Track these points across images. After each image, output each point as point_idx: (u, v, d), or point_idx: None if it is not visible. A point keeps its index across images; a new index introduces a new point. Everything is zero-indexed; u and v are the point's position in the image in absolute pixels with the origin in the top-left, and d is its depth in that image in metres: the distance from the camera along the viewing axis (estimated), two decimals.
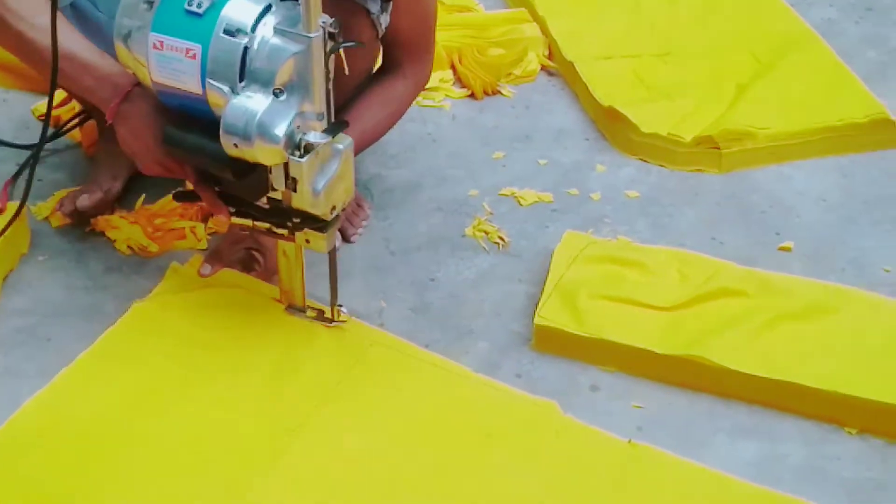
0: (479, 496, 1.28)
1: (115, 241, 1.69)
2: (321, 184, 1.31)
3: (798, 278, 1.63)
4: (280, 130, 1.24)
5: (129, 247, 1.68)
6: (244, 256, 1.62)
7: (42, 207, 1.76)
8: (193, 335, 1.47)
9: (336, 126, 1.30)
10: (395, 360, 1.46)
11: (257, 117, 1.23)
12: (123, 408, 1.36)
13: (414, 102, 1.73)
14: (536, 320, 1.53)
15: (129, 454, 1.30)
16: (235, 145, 1.25)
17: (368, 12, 1.50)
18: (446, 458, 1.32)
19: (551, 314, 1.53)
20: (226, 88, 1.25)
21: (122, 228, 1.70)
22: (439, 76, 2.08)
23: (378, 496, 1.27)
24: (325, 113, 1.29)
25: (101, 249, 1.69)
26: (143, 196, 1.75)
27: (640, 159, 1.94)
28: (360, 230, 1.75)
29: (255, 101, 1.24)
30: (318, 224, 1.36)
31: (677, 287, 1.58)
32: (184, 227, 1.71)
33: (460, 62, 2.13)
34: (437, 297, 1.64)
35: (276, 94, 1.25)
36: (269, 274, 1.60)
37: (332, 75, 1.27)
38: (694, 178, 1.92)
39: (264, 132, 1.23)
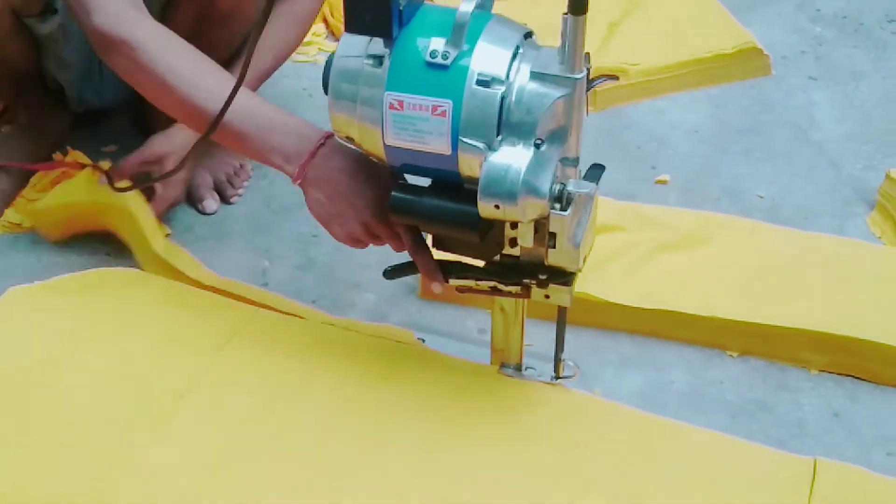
0: (371, 438, 1.28)
1: None
2: (580, 235, 1.16)
3: (675, 209, 1.66)
4: (545, 185, 1.09)
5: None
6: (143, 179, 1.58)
7: None
8: (75, 311, 1.44)
9: (595, 170, 1.16)
10: (279, 320, 1.45)
11: (522, 174, 1.07)
12: (3, 387, 1.33)
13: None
14: None
15: (14, 432, 1.27)
16: (497, 206, 1.09)
17: None
18: (332, 409, 1.32)
19: None
20: (481, 145, 1.10)
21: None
22: (312, 30, 2.06)
23: (269, 454, 1.26)
24: (579, 157, 1.16)
25: None
26: None
27: None
28: (240, 191, 1.73)
29: (516, 156, 1.08)
30: (566, 278, 1.21)
31: None
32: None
33: (332, 16, 2.12)
34: (321, 252, 1.63)
35: (536, 146, 1.09)
36: (162, 206, 1.61)
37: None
38: None
39: (531, 189, 1.08)
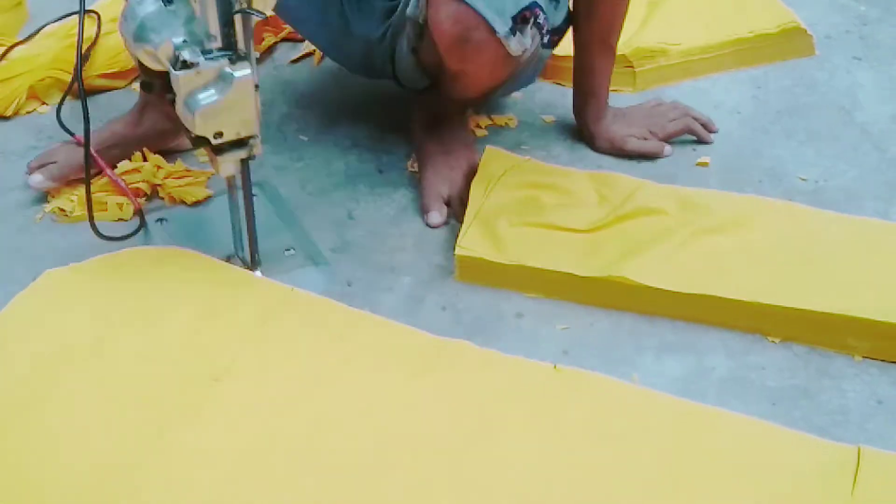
0: (407, 435, 1.27)
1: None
2: (202, 104, 1.27)
3: (716, 192, 1.64)
4: (159, 37, 1.24)
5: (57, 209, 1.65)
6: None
7: None
8: (108, 293, 1.44)
9: (234, 55, 1.27)
10: (315, 300, 1.44)
11: (137, 20, 1.25)
12: (39, 371, 1.32)
13: None
14: (457, 251, 1.51)
15: (49, 416, 1.27)
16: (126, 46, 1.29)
17: (492, 28, 1.46)
18: (370, 396, 1.31)
19: (472, 244, 1.52)
20: None
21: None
22: None
23: (306, 440, 1.25)
24: (224, 37, 1.26)
25: (10, 210, 1.65)
26: None
27: (555, 83, 1.93)
28: None
29: (143, 5, 1.26)
30: (206, 143, 1.33)
31: (597, 208, 1.58)
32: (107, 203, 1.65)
33: None
34: (358, 234, 1.62)
35: (165, 2, 1.25)
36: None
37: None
38: (609, 98, 1.91)
39: (144, 38, 1.25)
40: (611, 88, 1.90)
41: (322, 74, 1.90)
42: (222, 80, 1.27)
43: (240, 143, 1.34)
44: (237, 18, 1.24)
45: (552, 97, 1.90)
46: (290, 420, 1.28)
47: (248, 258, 1.48)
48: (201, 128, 1.29)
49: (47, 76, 1.86)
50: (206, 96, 1.27)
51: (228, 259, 1.49)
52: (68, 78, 1.86)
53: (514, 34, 1.48)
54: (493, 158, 1.67)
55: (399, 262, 1.57)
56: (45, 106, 1.86)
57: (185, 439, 1.25)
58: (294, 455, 1.23)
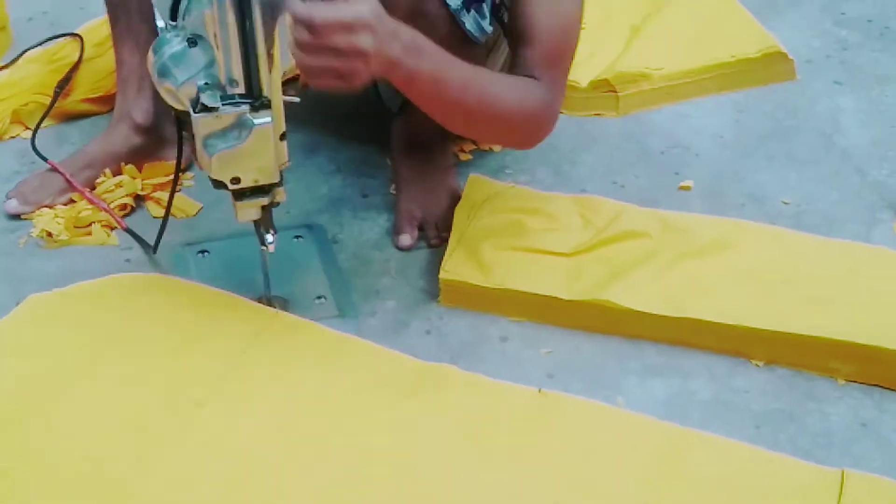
0: (388, 459, 1.26)
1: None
2: (219, 149, 1.26)
3: (699, 216, 1.64)
4: (182, 77, 1.22)
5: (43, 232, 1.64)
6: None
7: None
8: (92, 318, 1.44)
9: (254, 100, 1.24)
10: (299, 324, 1.44)
11: (161, 60, 1.22)
12: (20, 396, 1.32)
13: None
14: (441, 275, 1.52)
15: (32, 440, 1.26)
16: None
17: (445, 4, 1.45)
18: (355, 420, 1.31)
19: (456, 268, 1.52)
20: (162, 23, 1.25)
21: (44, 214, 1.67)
22: None
23: (290, 466, 1.25)
24: (247, 83, 1.24)
25: None
26: None
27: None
28: (445, 235, 1.63)
29: (170, 44, 1.23)
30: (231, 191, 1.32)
31: (580, 232, 1.58)
32: (93, 223, 1.65)
33: None
34: (341, 259, 1.62)
35: (190, 43, 1.22)
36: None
37: (274, 51, 1.22)
38: (592, 122, 1.92)
39: (167, 74, 1.22)
40: (594, 112, 1.92)
41: (306, 98, 1.90)
42: (242, 126, 1.25)
43: (260, 190, 1.32)
44: (262, 67, 1.22)
45: None
46: (273, 445, 1.27)
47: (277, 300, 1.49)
48: (218, 172, 1.28)
49: (30, 101, 1.86)
50: (224, 141, 1.26)
51: (260, 299, 1.48)
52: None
53: (468, 11, 1.47)
54: (477, 185, 1.67)
55: (383, 286, 1.57)
56: (28, 131, 1.85)
57: (167, 464, 1.24)
58: (278, 480, 1.23)
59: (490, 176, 1.73)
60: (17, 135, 1.85)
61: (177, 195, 1.65)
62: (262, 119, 1.25)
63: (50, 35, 2.02)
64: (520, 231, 1.57)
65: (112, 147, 1.71)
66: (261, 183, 1.31)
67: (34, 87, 1.88)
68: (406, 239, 1.64)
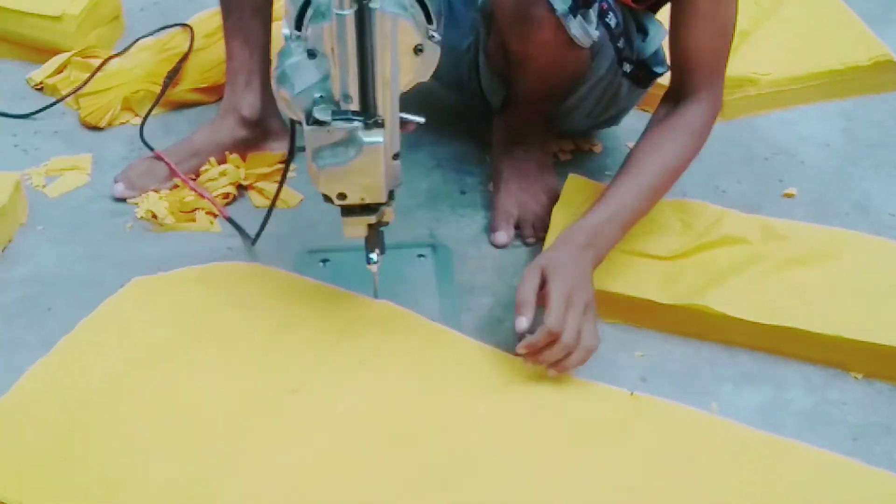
0: (479, 453, 1.27)
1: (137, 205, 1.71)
2: (328, 162, 1.24)
3: (802, 224, 1.62)
4: (298, 86, 1.20)
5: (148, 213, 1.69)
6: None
7: (35, 175, 1.76)
8: (194, 303, 1.47)
9: (368, 117, 1.22)
10: (393, 314, 1.46)
11: (282, 67, 1.20)
12: (124, 374, 1.35)
13: None
14: None
15: (130, 420, 1.30)
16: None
17: (552, 7, 1.44)
18: (446, 414, 1.32)
19: None
20: (287, 31, 1.23)
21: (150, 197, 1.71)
22: None
23: (378, 453, 1.26)
24: (362, 100, 1.21)
25: (101, 217, 1.68)
26: None
27: (641, 109, 1.92)
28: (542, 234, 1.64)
29: (291, 54, 1.21)
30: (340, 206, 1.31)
31: (679, 236, 1.56)
32: (196, 209, 1.69)
33: None
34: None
35: (309, 55, 1.19)
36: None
37: (397, 71, 1.20)
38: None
39: (286, 83, 1.21)
40: None
41: (407, 94, 1.92)
42: (352, 143, 1.23)
43: (368, 208, 1.31)
44: (378, 85, 1.21)
45: (639, 123, 1.87)
46: (367, 432, 1.29)
47: None
48: (325, 187, 1.27)
49: (141, 89, 1.90)
50: (334, 157, 1.24)
51: None
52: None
53: (575, 16, 1.47)
54: (576, 186, 1.67)
55: (479, 282, 1.58)
56: (138, 118, 1.89)
57: (261, 447, 1.27)
58: (371, 468, 1.24)
59: (589, 176, 1.72)
60: (127, 121, 1.90)
61: None
62: (373, 138, 1.23)
63: (161, 25, 2.07)
64: None
65: (218, 138, 1.75)
66: (367, 201, 1.30)
67: (145, 75, 1.93)
68: (502, 237, 1.64)
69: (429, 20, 1.19)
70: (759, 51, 1.99)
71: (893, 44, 2.02)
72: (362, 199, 1.29)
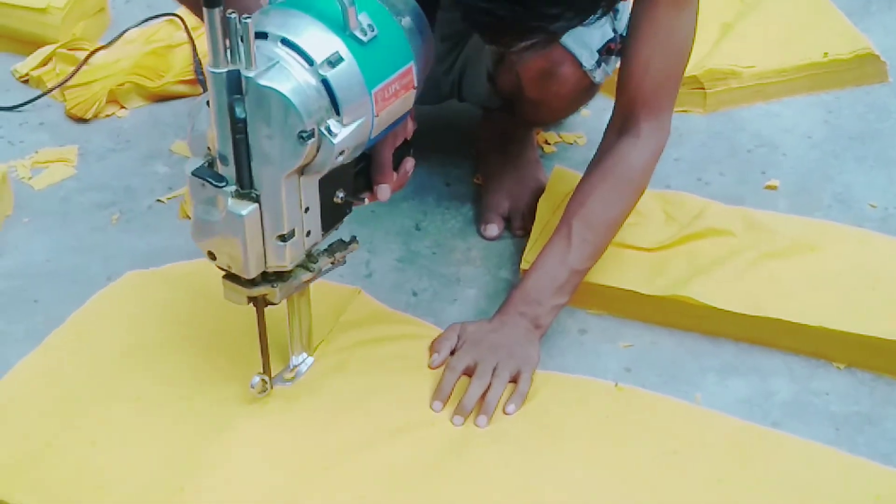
0: (464, 445, 1.28)
1: None
2: (198, 215, 1.13)
3: (784, 216, 1.63)
4: (196, 126, 1.10)
5: None
6: None
7: (20, 167, 1.76)
8: (186, 298, 1.47)
9: (242, 186, 1.09)
10: (382, 309, 1.46)
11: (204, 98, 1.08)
12: (115, 369, 1.36)
13: None
14: (523, 265, 1.52)
15: (120, 409, 1.30)
16: None
17: (579, 63, 1.46)
18: (418, 405, 1.33)
19: None
20: None
21: None
22: None
23: (366, 447, 1.27)
24: (236, 164, 1.08)
25: (87, 210, 1.68)
26: None
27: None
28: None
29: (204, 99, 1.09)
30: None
31: (663, 227, 1.58)
32: None
33: None
34: (424, 246, 1.64)
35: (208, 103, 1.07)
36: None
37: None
38: (678, 118, 1.90)
39: (192, 116, 1.11)
40: (681, 109, 1.91)
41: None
42: (221, 205, 1.10)
43: (244, 280, 1.17)
44: (257, 160, 1.07)
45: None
46: (353, 422, 1.29)
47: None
48: (196, 238, 1.15)
49: (127, 81, 1.90)
50: (206, 213, 1.12)
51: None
52: (148, 83, 1.90)
53: (599, 66, 1.48)
54: (562, 178, 1.68)
55: (464, 274, 1.59)
56: (123, 110, 1.89)
57: (248, 434, 1.27)
58: (356, 457, 1.25)
59: (574, 168, 1.73)
60: (113, 114, 1.90)
61: None
62: (238, 209, 1.09)
63: (147, 16, 2.07)
64: None
65: None
66: (233, 271, 1.16)
67: (131, 67, 1.92)
68: (493, 229, 1.65)
69: (336, 110, 1.06)
70: (742, 44, 2.00)
71: (875, 37, 2.03)
72: (229, 267, 1.16)
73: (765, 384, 1.41)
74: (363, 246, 1.61)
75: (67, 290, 1.50)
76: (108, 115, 1.89)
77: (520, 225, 1.66)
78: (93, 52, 1.96)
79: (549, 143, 1.84)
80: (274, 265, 1.15)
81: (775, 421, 1.35)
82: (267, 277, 1.18)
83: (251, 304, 1.22)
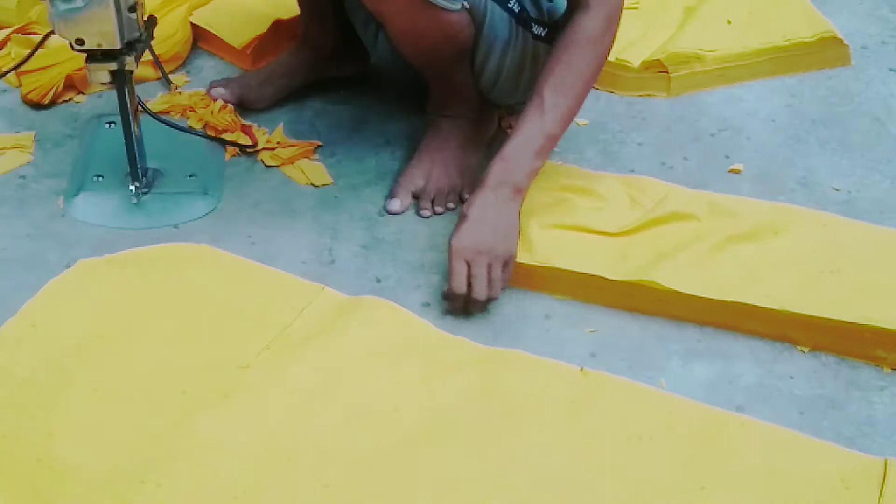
0: (430, 429, 1.27)
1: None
2: (61, 10, 1.39)
3: (748, 199, 1.63)
4: None
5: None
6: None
7: None
8: (141, 285, 1.45)
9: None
10: (345, 301, 1.45)
11: None
12: (70, 357, 1.34)
13: None
14: None
15: (78, 399, 1.28)
16: None
17: None
18: (397, 391, 1.31)
19: None
20: None
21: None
22: None
23: (331, 429, 1.26)
24: None
25: (44, 197, 1.66)
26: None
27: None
28: (438, 209, 1.67)
29: None
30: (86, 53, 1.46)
31: (628, 212, 1.57)
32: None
33: None
34: (388, 231, 1.62)
35: None
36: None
37: None
38: (642, 102, 1.91)
39: None
40: (644, 93, 1.91)
41: (357, 78, 1.92)
42: None
43: (108, 55, 1.45)
44: None
45: (586, 101, 1.89)
46: (319, 408, 1.28)
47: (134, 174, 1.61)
48: (62, 32, 1.41)
49: (84, 66, 1.87)
50: (68, 3, 1.38)
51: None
52: None
53: None
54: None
55: (429, 260, 1.57)
56: (81, 95, 1.87)
57: (213, 425, 1.26)
58: (324, 443, 1.24)
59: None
60: (70, 98, 1.87)
61: None
62: None
63: None
64: (566, 209, 1.57)
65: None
66: (105, 48, 1.43)
67: None
68: (396, 204, 1.66)
69: None
70: (704, 27, 2.00)
71: (837, 20, 2.04)
72: (99, 45, 1.43)
73: (729, 368, 1.41)
74: (326, 232, 1.60)
75: (24, 279, 1.47)
76: (65, 101, 1.87)
77: (427, 206, 1.66)
78: (48, 35, 1.92)
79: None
80: (130, 34, 1.45)
81: (740, 405, 1.35)
82: (122, 51, 1.46)
83: (111, 84, 1.50)
